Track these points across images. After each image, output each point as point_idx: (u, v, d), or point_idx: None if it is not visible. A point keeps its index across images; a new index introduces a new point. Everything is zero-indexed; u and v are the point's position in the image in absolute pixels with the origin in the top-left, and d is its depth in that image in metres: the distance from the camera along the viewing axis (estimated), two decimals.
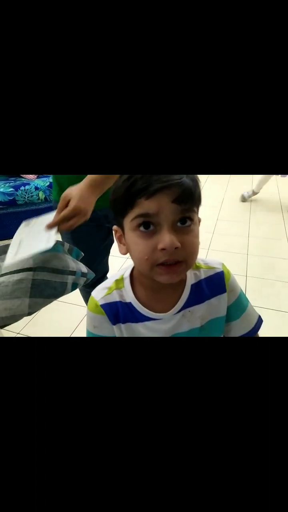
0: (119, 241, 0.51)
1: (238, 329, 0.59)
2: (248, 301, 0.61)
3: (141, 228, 0.44)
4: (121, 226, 0.49)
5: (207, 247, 2.12)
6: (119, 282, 0.56)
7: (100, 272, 1.06)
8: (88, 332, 0.59)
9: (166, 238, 0.42)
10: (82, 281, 0.78)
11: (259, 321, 0.61)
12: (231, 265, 0.60)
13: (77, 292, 0.78)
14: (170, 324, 0.54)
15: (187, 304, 0.54)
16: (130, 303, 0.54)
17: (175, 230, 0.43)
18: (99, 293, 0.56)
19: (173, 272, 0.45)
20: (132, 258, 0.49)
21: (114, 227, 0.50)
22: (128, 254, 0.50)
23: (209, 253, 2.03)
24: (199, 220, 0.48)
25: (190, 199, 0.44)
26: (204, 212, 2.97)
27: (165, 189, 0.42)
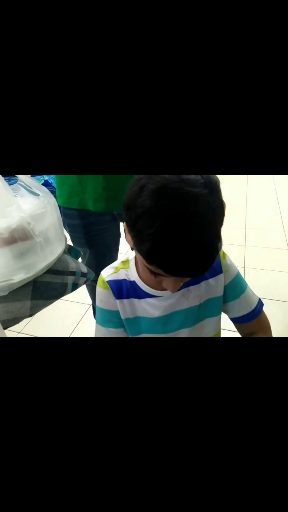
0: (127, 234, 0.48)
1: (238, 309, 0.62)
2: (247, 284, 0.64)
3: (147, 268, 0.44)
4: (130, 231, 0.46)
5: None
6: (125, 263, 0.62)
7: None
8: (96, 307, 0.66)
9: (170, 287, 0.46)
10: (82, 281, 0.79)
11: (260, 303, 0.63)
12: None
13: (77, 290, 0.79)
14: (170, 301, 0.58)
15: (186, 284, 0.57)
16: (134, 281, 0.59)
17: None
18: (107, 271, 0.63)
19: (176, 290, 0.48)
20: (139, 266, 0.53)
21: (124, 224, 0.49)
22: None
23: None
24: None
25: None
26: None
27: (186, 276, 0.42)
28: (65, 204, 0.92)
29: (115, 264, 0.63)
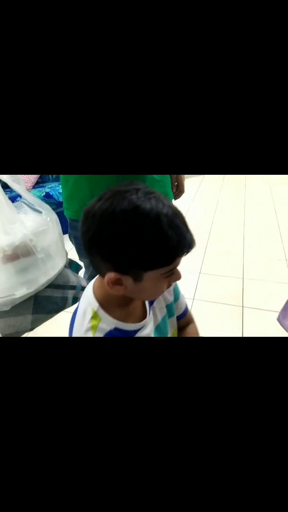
0: (117, 284, 0.49)
1: (178, 309, 0.72)
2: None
3: (166, 274, 0.49)
4: (129, 273, 0.48)
5: (203, 250, 2.14)
6: (95, 317, 0.56)
7: None
8: None
9: (179, 276, 0.53)
10: (82, 295, 0.80)
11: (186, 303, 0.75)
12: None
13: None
14: (151, 322, 0.62)
15: (150, 303, 0.63)
16: (115, 327, 0.56)
17: None
18: (85, 335, 0.56)
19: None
20: (142, 293, 0.52)
21: (111, 274, 0.48)
22: None
23: (205, 256, 2.06)
24: None
25: None
26: (199, 215, 2.93)
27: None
28: (75, 216, 0.89)
29: (85, 326, 0.55)
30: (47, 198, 2.21)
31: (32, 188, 2.33)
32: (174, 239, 0.45)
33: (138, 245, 0.44)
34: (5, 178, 0.69)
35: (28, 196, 0.77)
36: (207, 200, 3.00)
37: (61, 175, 0.88)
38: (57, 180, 2.50)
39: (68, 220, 0.91)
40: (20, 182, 0.69)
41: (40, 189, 2.27)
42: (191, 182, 3.46)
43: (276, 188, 3.15)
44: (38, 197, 2.19)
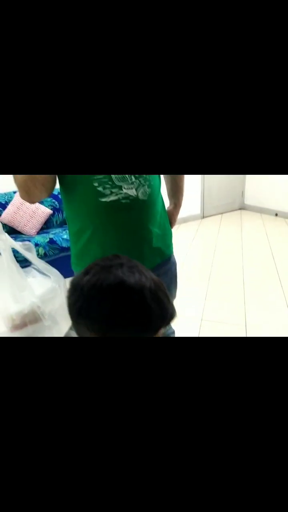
0: None
1: None
2: None
3: None
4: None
5: (204, 296, 2.15)
6: None
7: None
8: None
9: None
10: None
11: None
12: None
13: None
14: None
15: None
16: None
17: None
18: None
19: None
20: None
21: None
22: None
23: (206, 303, 2.06)
24: None
25: None
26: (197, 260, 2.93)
27: None
28: None
29: None
30: (51, 244, 2.27)
31: (37, 234, 2.40)
32: (157, 312, 0.47)
33: (124, 318, 0.47)
34: (18, 247, 0.73)
35: (38, 263, 0.81)
36: (205, 243, 3.07)
37: (71, 232, 0.89)
38: (60, 226, 2.58)
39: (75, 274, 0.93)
40: (31, 250, 0.72)
41: (44, 235, 2.34)
42: (189, 225, 3.57)
43: (269, 224, 3.24)
44: (42, 243, 2.25)
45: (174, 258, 1.00)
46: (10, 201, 2.44)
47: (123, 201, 0.75)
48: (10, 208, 2.40)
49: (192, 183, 3.57)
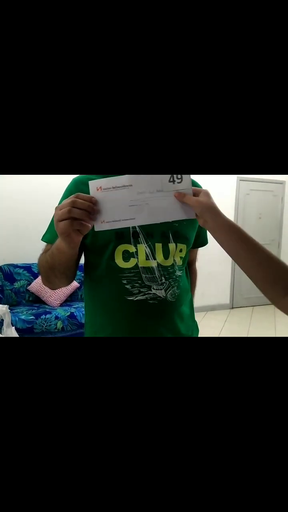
0: None
1: None
2: None
3: None
4: None
5: None
6: None
7: None
8: None
9: None
10: None
11: None
12: None
13: None
14: None
15: None
16: None
17: None
18: None
19: None
20: None
21: None
22: None
23: None
24: None
25: None
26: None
27: None
28: None
29: None
30: (71, 319, 2.23)
31: (59, 306, 2.39)
32: None
33: None
34: None
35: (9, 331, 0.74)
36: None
37: (88, 326, 0.85)
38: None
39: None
40: (5, 316, 0.66)
41: (66, 308, 2.33)
42: (217, 314, 3.39)
43: None
44: (62, 316, 2.21)
45: None
46: None
47: (151, 301, 0.72)
48: (40, 278, 2.48)
49: (221, 272, 3.52)
